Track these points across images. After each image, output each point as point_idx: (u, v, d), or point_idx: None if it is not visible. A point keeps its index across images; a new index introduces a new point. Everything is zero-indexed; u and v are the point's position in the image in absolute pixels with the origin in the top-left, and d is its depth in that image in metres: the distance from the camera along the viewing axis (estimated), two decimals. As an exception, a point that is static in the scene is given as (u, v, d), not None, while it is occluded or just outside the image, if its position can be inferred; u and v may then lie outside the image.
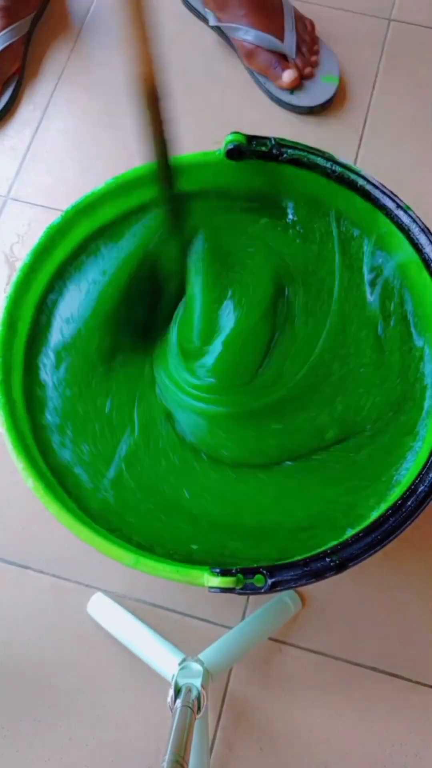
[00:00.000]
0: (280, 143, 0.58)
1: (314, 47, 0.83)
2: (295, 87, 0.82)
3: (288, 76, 0.80)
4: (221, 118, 0.84)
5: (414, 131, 0.83)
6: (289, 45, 0.80)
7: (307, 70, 0.81)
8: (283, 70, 0.81)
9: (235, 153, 0.59)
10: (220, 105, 0.85)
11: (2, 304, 0.57)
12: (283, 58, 0.81)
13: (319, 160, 0.58)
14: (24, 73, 0.87)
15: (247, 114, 0.84)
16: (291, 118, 0.84)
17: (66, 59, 0.88)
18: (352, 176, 0.58)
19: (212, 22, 0.84)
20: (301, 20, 0.83)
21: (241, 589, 0.46)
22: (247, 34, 0.81)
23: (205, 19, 0.86)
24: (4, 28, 0.83)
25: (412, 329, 0.59)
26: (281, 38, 0.80)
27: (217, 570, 0.46)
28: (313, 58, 0.82)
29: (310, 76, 0.82)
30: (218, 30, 0.85)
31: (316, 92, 0.82)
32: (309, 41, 0.82)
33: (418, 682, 0.63)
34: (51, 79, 0.87)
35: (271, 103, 0.84)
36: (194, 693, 0.51)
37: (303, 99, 0.82)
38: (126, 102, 0.85)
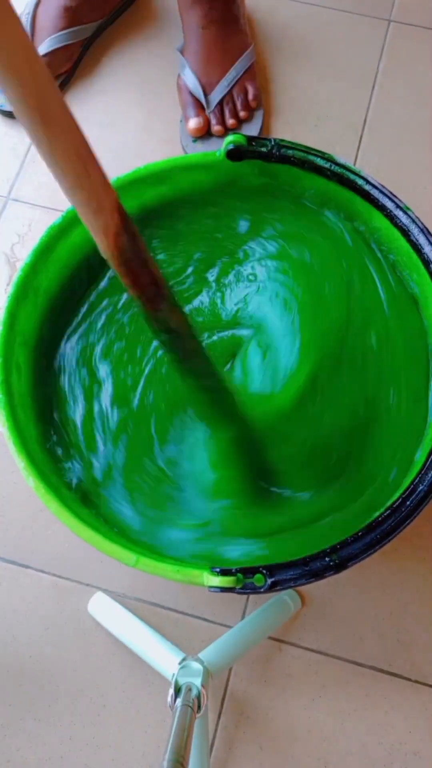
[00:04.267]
0: (280, 144, 0.58)
1: (241, 113, 0.81)
2: (199, 137, 0.81)
3: (193, 123, 0.80)
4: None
5: (413, 131, 0.83)
6: (213, 97, 0.80)
7: (216, 128, 0.81)
8: (195, 116, 0.80)
9: (235, 154, 0.59)
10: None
11: (3, 304, 0.57)
12: (200, 106, 0.81)
13: (318, 161, 0.58)
14: (73, 76, 0.86)
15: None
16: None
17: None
18: (352, 176, 0.58)
19: (178, 46, 0.84)
20: (242, 83, 0.81)
21: (241, 588, 0.46)
22: (185, 71, 0.81)
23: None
24: (64, 29, 0.82)
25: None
26: (212, 88, 0.80)
27: (217, 569, 0.46)
28: (231, 121, 0.81)
29: (220, 135, 0.81)
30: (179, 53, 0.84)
31: (215, 147, 0.80)
32: (239, 107, 0.81)
33: (417, 682, 0.64)
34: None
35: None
36: (194, 692, 0.51)
37: (200, 149, 0.81)
38: (126, 105, 0.85)
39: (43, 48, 0.82)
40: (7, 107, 0.84)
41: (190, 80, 0.81)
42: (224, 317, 0.62)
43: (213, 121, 0.81)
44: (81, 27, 0.84)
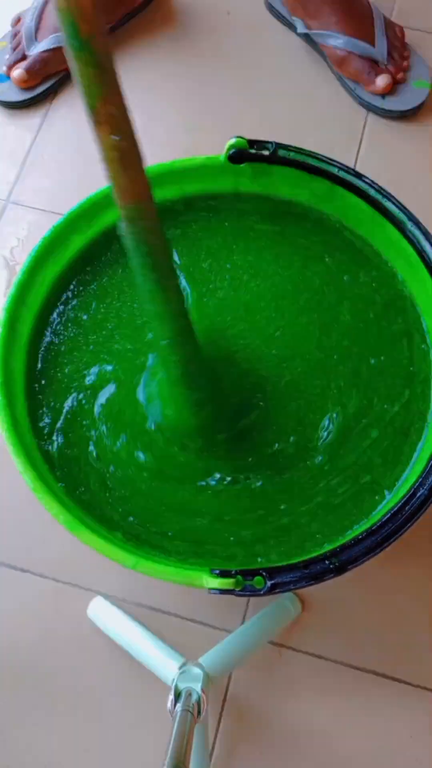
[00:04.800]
0: (280, 146, 0.58)
1: (404, 53, 0.83)
2: (388, 92, 0.82)
3: (382, 80, 0.81)
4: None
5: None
6: (380, 50, 0.81)
7: (400, 75, 0.82)
8: (377, 75, 0.81)
9: (237, 157, 0.59)
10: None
11: (2, 306, 0.57)
12: (375, 64, 0.81)
13: (323, 165, 0.58)
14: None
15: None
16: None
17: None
18: (355, 180, 0.58)
19: (300, 29, 0.84)
20: (391, 26, 0.84)
21: (241, 590, 0.46)
22: (339, 41, 0.81)
23: (291, 26, 0.87)
24: None
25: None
26: (373, 44, 0.81)
27: (217, 571, 0.46)
28: (405, 63, 0.83)
29: (402, 81, 0.83)
30: (306, 37, 0.86)
31: (408, 97, 0.83)
32: (399, 46, 0.83)
33: (419, 686, 0.63)
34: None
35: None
36: (194, 697, 0.51)
37: (395, 104, 0.82)
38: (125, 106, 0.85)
39: (44, 44, 0.83)
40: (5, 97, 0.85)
41: (351, 44, 0.81)
42: None
43: (393, 70, 0.82)
44: None
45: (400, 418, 0.57)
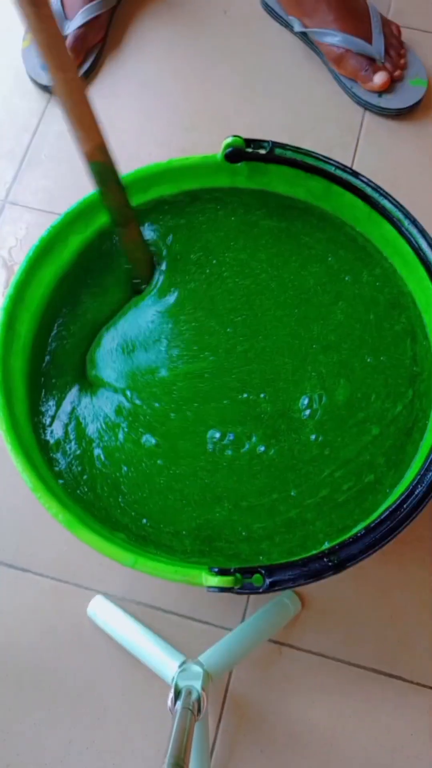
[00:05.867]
0: (277, 145, 0.58)
1: (401, 50, 0.84)
2: (385, 90, 0.82)
3: (379, 78, 0.81)
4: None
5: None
6: (377, 48, 0.81)
7: (397, 72, 0.82)
8: (374, 72, 0.81)
9: (234, 156, 0.59)
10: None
11: (1, 306, 0.57)
12: (372, 62, 0.82)
13: (319, 163, 0.58)
14: (105, 44, 0.89)
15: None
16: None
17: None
18: (351, 178, 0.58)
19: (297, 28, 0.84)
20: (387, 24, 0.84)
21: (240, 588, 0.46)
22: (336, 38, 0.81)
23: (287, 25, 0.87)
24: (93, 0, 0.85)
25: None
26: (370, 41, 0.81)
27: (216, 569, 0.46)
28: (402, 61, 0.83)
29: (399, 79, 0.83)
30: (303, 36, 0.86)
31: (405, 95, 0.83)
32: (396, 44, 0.83)
33: (418, 684, 0.63)
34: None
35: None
36: (194, 695, 0.51)
37: (392, 102, 0.83)
38: (123, 106, 0.85)
39: (76, 21, 0.84)
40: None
41: (348, 42, 0.81)
42: None
43: (390, 68, 0.82)
44: None
45: (403, 417, 0.57)
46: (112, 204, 0.56)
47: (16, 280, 0.57)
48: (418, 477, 0.49)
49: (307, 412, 0.57)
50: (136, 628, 0.63)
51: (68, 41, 0.84)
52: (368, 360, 0.59)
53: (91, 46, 0.86)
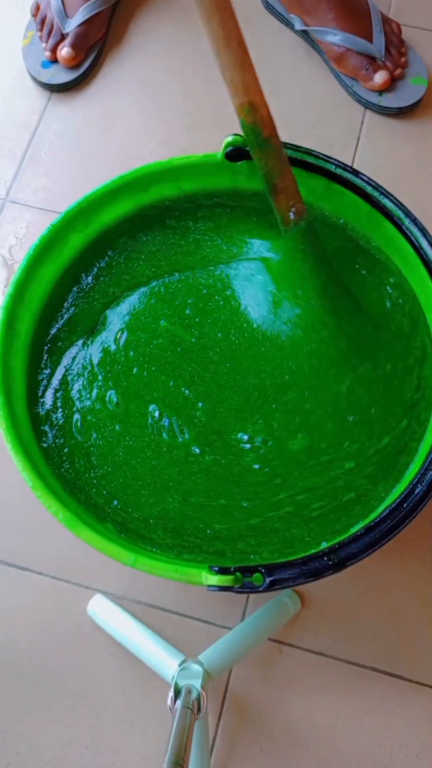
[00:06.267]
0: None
1: (402, 49, 0.83)
2: (386, 89, 0.82)
3: (380, 77, 0.81)
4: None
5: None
6: (378, 47, 0.81)
7: (397, 71, 0.82)
8: (375, 71, 0.81)
9: (234, 155, 0.59)
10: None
11: (1, 305, 0.57)
12: (372, 60, 0.81)
13: (320, 162, 0.58)
14: (107, 40, 0.89)
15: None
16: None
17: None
18: (352, 177, 0.58)
19: (298, 26, 0.84)
20: (388, 22, 0.84)
21: (240, 587, 0.46)
22: (337, 37, 0.81)
23: (288, 24, 0.87)
24: None
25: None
26: (370, 40, 0.81)
27: (216, 568, 0.46)
28: (402, 59, 0.83)
29: (400, 78, 0.83)
30: (304, 34, 0.86)
31: (406, 94, 0.83)
32: (397, 43, 0.83)
33: (418, 683, 0.63)
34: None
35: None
36: (194, 694, 0.51)
37: (393, 101, 0.82)
38: (124, 105, 0.85)
39: (77, 18, 0.84)
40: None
41: (349, 40, 0.81)
42: None
43: (391, 66, 0.82)
44: None
45: (391, 447, 0.56)
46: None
47: (16, 278, 0.57)
48: (418, 476, 0.49)
49: (248, 446, 0.57)
50: (135, 627, 0.63)
51: (69, 39, 0.84)
52: (350, 419, 0.57)
53: (92, 43, 0.86)
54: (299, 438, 0.56)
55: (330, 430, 0.57)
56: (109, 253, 0.63)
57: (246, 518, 0.54)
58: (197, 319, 0.60)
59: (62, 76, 0.86)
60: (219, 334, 0.60)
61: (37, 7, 0.87)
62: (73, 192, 0.60)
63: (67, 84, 0.86)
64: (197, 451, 0.56)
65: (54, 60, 0.86)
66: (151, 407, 0.58)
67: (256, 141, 0.52)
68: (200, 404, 0.58)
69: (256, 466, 0.56)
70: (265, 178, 0.54)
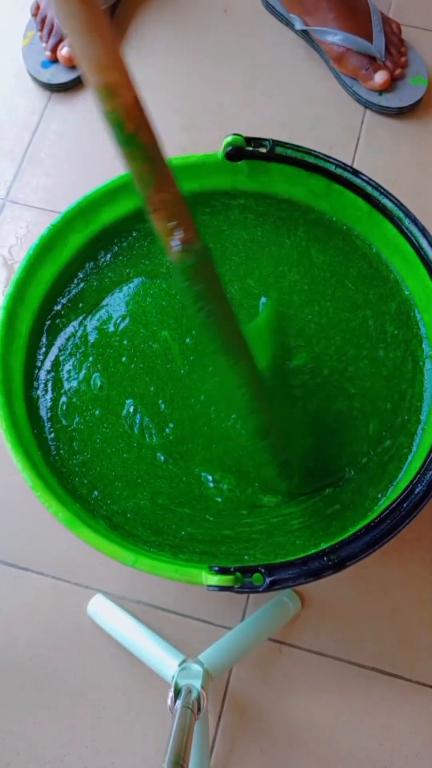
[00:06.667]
0: (278, 144, 0.58)
1: (402, 48, 0.83)
2: (386, 89, 0.82)
3: (380, 77, 0.81)
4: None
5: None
6: (378, 46, 0.81)
7: (397, 71, 0.82)
8: (375, 71, 0.81)
9: (234, 155, 0.59)
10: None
11: (1, 304, 0.57)
12: (372, 60, 0.81)
13: (320, 162, 0.58)
14: None
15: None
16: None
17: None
18: (352, 177, 0.58)
19: (298, 26, 0.84)
20: (388, 22, 0.84)
21: (240, 587, 0.46)
22: (337, 37, 0.81)
23: (288, 23, 0.87)
24: None
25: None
26: (370, 40, 0.81)
27: (216, 568, 0.46)
28: (402, 59, 0.83)
29: (400, 78, 0.83)
30: (304, 34, 0.86)
31: (406, 94, 0.83)
32: (397, 42, 0.83)
33: (418, 683, 0.63)
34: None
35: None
36: (194, 694, 0.51)
37: (392, 101, 0.82)
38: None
39: None
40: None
41: (349, 40, 0.81)
42: None
43: (391, 66, 0.82)
44: None
45: (374, 463, 0.56)
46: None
47: (16, 278, 0.57)
48: (418, 476, 0.49)
49: (212, 484, 0.56)
50: (135, 627, 0.63)
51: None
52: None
53: None
54: (271, 495, 0.56)
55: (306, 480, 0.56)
56: (109, 253, 0.63)
57: (217, 528, 0.54)
58: (191, 358, 0.59)
59: (62, 75, 0.86)
60: (206, 386, 0.59)
61: (37, 7, 0.87)
62: (73, 192, 0.60)
63: (67, 84, 0.86)
64: (162, 458, 0.56)
65: (54, 60, 0.86)
66: (129, 401, 0.58)
67: (118, 136, 0.38)
68: (171, 425, 0.57)
69: (219, 500, 0.56)
70: (138, 188, 0.41)
